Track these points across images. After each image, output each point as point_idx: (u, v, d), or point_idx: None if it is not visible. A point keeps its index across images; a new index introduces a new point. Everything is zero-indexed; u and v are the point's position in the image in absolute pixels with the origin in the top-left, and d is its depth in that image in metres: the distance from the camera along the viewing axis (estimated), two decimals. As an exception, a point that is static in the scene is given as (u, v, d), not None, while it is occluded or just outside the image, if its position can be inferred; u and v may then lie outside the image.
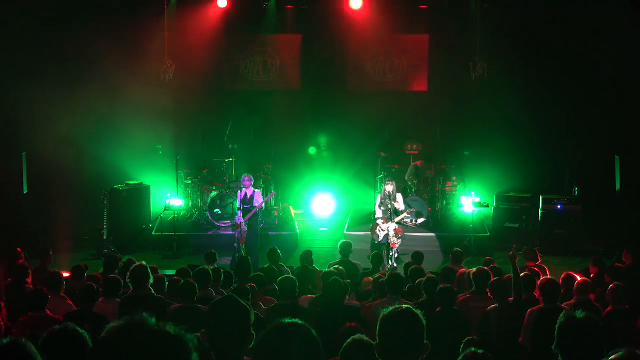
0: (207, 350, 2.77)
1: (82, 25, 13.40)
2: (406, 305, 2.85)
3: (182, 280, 6.76)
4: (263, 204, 11.74)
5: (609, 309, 6.70)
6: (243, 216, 11.29)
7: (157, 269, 8.50)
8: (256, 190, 11.53)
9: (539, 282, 6.44)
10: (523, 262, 9.22)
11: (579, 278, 7.79)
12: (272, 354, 2.49)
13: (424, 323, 2.79)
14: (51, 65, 12.86)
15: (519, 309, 6.39)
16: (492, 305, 6.55)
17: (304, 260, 9.20)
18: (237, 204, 11.50)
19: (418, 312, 2.82)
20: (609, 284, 7.36)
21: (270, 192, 13.71)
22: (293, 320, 2.55)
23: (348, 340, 3.53)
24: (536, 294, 6.57)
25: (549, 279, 6.37)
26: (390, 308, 2.82)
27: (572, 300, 6.82)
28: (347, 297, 6.81)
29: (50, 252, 9.22)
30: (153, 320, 1.85)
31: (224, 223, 13.45)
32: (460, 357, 3.79)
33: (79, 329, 3.39)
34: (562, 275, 7.99)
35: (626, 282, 7.55)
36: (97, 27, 13.66)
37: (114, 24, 13.85)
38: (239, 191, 11.58)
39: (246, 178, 11.38)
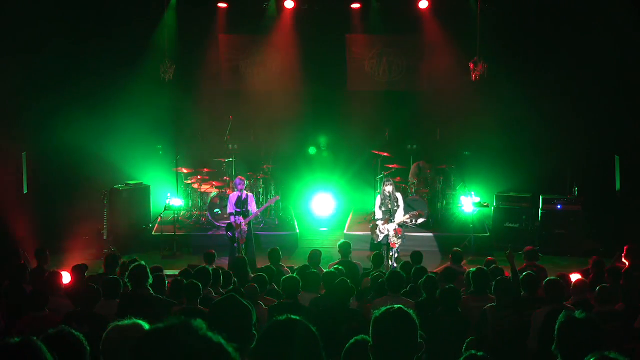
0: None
1: (82, 25, 13.39)
2: (398, 305, 2.83)
3: (186, 281, 6.74)
4: (259, 213, 12.00)
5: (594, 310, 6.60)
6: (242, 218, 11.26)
7: (162, 268, 8.51)
8: (249, 194, 11.49)
9: (543, 282, 6.43)
10: (523, 262, 9.23)
11: (573, 278, 7.80)
12: (272, 351, 2.48)
13: (417, 322, 2.78)
14: (51, 66, 12.85)
15: (517, 308, 6.38)
16: (489, 304, 6.53)
17: (312, 260, 9.23)
18: (229, 207, 11.46)
19: (410, 311, 2.81)
20: (609, 284, 7.35)
21: (274, 196, 13.69)
22: (290, 316, 2.54)
23: (350, 341, 3.51)
24: (541, 293, 6.55)
25: (552, 279, 6.35)
26: (382, 309, 2.81)
27: (569, 301, 6.80)
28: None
29: (47, 253, 9.22)
30: (200, 323, 1.80)
31: (224, 223, 13.42)
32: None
33: (74, 331, 3.29)
34: (556, 275, 7.98)
35: (626, 283, 7.55)
36: (96, 27, 13.65)
37: (114, 23, 13.83)
38: (231, 193, 11.54)
39: (239, 181, 11.32)
